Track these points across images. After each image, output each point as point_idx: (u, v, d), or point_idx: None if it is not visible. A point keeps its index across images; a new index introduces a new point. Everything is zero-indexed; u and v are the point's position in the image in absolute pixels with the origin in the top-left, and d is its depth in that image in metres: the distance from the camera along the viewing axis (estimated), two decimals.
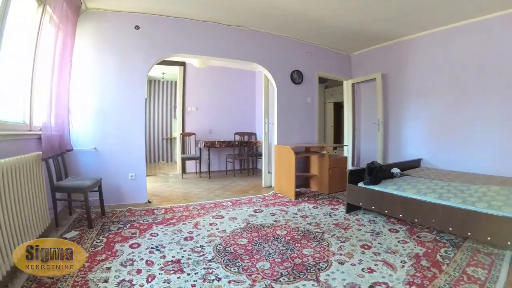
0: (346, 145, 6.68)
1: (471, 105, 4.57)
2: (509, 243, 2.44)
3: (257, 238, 2.94)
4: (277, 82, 5.48)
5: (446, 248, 2.72)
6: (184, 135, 7.05)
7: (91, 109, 4.08)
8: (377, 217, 3.68)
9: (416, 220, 3.19)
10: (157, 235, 3.00)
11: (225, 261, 2.40)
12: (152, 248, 2.66)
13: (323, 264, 2.38)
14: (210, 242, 2.83)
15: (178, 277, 2.12)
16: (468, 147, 4.63)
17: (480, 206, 2.72)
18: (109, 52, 4.14)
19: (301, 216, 3.74)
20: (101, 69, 4.12)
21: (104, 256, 2.46)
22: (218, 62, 6.60)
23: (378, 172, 3.77)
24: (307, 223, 3.45)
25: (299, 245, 2.79)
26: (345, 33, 5.35)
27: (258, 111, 7.85)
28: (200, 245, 2.74)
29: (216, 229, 3.22)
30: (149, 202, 4.33)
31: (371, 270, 2.28)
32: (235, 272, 2.22)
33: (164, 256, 2.48)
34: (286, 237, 2.99)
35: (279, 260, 2.45)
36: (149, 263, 2.34)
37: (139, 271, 2.19)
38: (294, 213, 3.89)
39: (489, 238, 2.59)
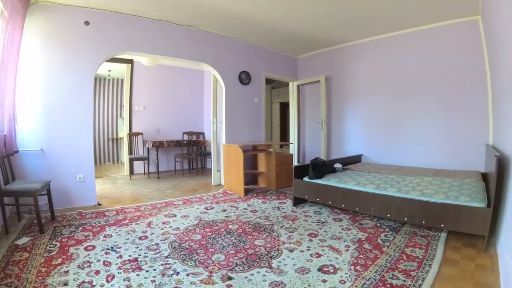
0: (292, 143, 7.06)
1: (407, 105, 5.19)
2: (442, 225, 2.89)
3: (210, 233, 3.10)
4: (226, 82, 5.64)
5: (386, 232, 3.12)
6: (131, 135, 6.90)
7: (37, 107, 3.89)
8: (322, 208, 4.05)
9: (357, 209, 3.58)
10: (111, 236, 3.02)
11: (181, 256, 2.53)
12: (107, 249, 2.68)
13: (274, 253, 2.62)
14: (165, 239, 2.93)
15: (138, 275, 2.20)
16: (404, 143, 5.24)
17: (414, 194, 3.16)
18: (57, 47, 3.97)
19: (251, 211, 3.97)
20: (49, 65, 3.93)
21: (60, 260, 2.44)
22: (167, 61, 6.58)
23: (321, 167, 4.13)
24: (257, 217, 3.69)
25: (251, 237, 3.01)
26: (292, 37, 5.69)
27: (207, 111, 7.95)
28: (156, 243, 2.83)
29: (170, 227, 3.31)
30: (99, 204, 4.26)
31: (318, 255, 2.57)
32: (192, 265, 2.36)
33: (120, 256, 2.53)
34: (238, 231, 3.19)
35: (233, 252, 2.64)
36: (107, 263, 2.39)
37: (97, 272, 2.23)
38: (244, 208, 4.10)
39: (424, 222, 3.02)
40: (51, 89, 3.98)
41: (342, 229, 3.25)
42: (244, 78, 5.94)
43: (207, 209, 4.05)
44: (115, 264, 2.37)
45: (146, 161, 6.87)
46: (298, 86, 7.13)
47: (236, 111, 5.81)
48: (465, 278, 2.15)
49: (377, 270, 2.28)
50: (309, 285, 2.07)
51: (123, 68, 7.03)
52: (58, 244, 2.79)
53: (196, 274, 2.21)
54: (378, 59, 5.58)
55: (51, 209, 3.53)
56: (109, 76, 8.48)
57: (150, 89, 7.26)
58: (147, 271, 2.27)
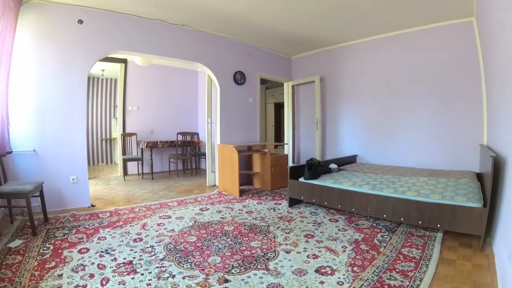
0: (287, 144, 7.04)
1: (401, 106, 5.21)
2: (438, 225, 2.89)
3: (206, 235, 3.07)
4: (220, 82, 5.61)
5: (382, 233, 3.12)
6: (125, 135, 6.83)
7: (30, 107, 3.82)
8: (318, 209, 4.04)
9: (353, 209, 3.57)
10: (105, 238, 2.97)
11: (177, 259, 2.50)
12: (102, 251, 2.64)
13: (271, 254, 2.60)
14: (160, 241, 2.89)
15: (133, 278, 2.16)
16: (399, 144, 5.26)
17: (409, 194, 3.16)
18: (50, 46, 3.90)
19: (247, 212, 3.94)
20: (42, 64, 3.86)
21: (53, 263, 2.39)
22: (161, 61, 6.53)
23: (317, 168, 4.13)
24: (253, 218, 3.67)
25: (247, 238, 2.98)
26: (286, 37, 5.69)
27: (201, 111, 7.92)
28: (150, 245, 2.79)
29: (165, 229, 3.28)
30: (93, 206, 4.19)
31: (315, 256, 2.56)
32: (188, 268, 2.33)
33: (115, 259, 2.49)
34: (234, 232, 3.16)
35: (229, 253, 2.61)
36: (101, 266, 2.35)
37: (92, 276, 2.19)
38: (239, 209, 4.08)
39: (420, 222, 3.02)
40: (44, 89, 3.91)
41: (339, 229, 3.24)
42: (239, 78, 5.91)
43: (202, 210, 4.01)
44: (110, 267, 2.33)
45: (140, 162, 6.81)
46: (292, 87, 7.11)
47: (230, 111, 5.78)
48: (462, 278, 2.16)
49: (374, 271, 2.27)
50: (307, 287, 2.05)
51: (117, 68, 6.97)
52: (51, 247, 2.73)
53: (192, 277, 2.18)
54: (372, 60, 5.60)
55: (44, 211, 3.46)
56: (102, 75, 8.39)
57: (144, 89, 7.20)
58: (142, 274, 2.23)
